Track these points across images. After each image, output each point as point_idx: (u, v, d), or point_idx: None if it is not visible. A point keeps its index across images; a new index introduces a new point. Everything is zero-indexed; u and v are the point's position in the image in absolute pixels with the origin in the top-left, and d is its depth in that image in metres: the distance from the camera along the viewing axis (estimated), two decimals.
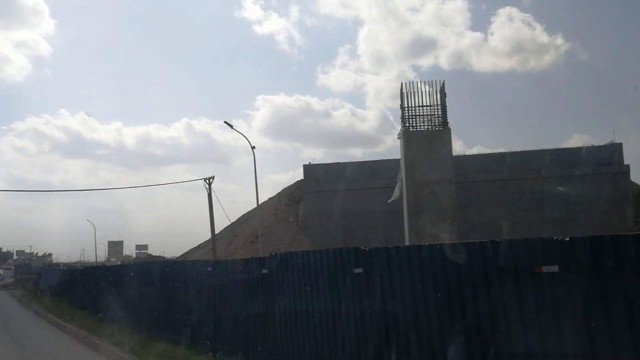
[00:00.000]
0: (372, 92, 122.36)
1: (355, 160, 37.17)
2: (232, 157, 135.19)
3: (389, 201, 21.07)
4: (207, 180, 25.95)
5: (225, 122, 24.00)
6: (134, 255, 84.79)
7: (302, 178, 36.36)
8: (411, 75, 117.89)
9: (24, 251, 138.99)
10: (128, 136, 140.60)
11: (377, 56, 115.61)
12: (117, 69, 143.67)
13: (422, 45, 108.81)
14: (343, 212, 32.81)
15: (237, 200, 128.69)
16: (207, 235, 29.62)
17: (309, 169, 35.64)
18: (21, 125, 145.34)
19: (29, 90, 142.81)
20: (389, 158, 33.88)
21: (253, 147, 24.37)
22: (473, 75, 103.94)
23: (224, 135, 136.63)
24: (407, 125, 23.54)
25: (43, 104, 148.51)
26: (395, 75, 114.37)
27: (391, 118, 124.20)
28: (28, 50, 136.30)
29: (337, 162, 36.13)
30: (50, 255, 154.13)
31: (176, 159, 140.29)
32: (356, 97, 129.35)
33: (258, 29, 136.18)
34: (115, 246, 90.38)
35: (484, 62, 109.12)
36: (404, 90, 25.34)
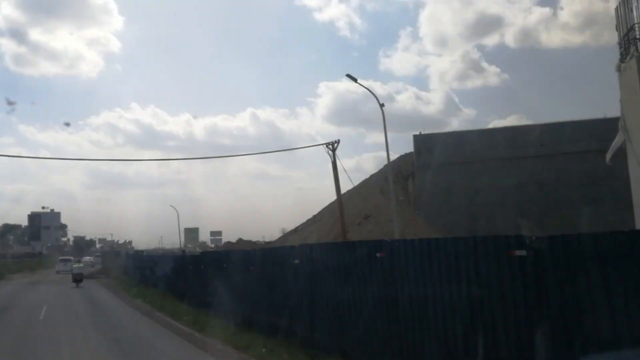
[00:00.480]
0: (435, 75, 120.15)
1: (472, 129, 32.39)
2: (298, 145, 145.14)
3: (608, 161, 16.03)
4: (331, 146, 22.29)
5: (347, 75, 19.98)
6: (209, 242, 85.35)
7: (411, 151, 32.03)
8: (476, 56, 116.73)
9: (105, 239, 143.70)
10: (197, 127, 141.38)
11: (440, 37, 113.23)
12: (183, 61, 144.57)
13: (487, 24, 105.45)
14: (465, 187, 28.34)
15: (303, 187, 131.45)
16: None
17: (420, 140, 31.17)
18: (96, 120, 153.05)
19: (102, 85, 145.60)
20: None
21: (382, 105, 20.47)
22: (543, 52, 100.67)
23: (288, 124, 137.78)
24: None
25: (115, 98, 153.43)
26: (460, 56, 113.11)
27: (456, 100, 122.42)
28: (100, 47, 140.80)
29: (453, 132, 31.59)
30: (130, 242, 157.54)
31: (243, 148, 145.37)
32: (419, 80, 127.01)
33: (318, 16, 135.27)
34: (191, 233, 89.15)
35: (553, 39, 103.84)
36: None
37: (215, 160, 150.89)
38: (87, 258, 69.21)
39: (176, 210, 59.55)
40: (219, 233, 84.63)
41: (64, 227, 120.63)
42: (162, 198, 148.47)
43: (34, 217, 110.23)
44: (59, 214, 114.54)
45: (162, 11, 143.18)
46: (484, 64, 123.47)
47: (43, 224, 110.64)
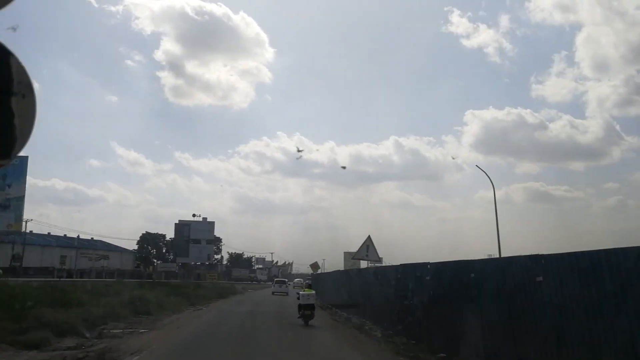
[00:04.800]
0: (594, 101, 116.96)
1: None
2: (443, 174, 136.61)
3: None
4: None
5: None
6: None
7: None
8: None
9: (264, 259, 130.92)
10: (341, 155, 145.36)
11: (599, 61, 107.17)
12: (329, 90, 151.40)
13: None
14: None
15: (446, 217, 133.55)
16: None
17: None
18: (245, 148, 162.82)
19: (252, 115, 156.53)
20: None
21: None
22: None
23: (433, 152, 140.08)
24: None
25: (264, 127, 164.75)
26: (622, 80, 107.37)
27: (618, 128, 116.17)
28: (251, 78, 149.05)
29: None
30: (291, 263, 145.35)
31: (386, 176, 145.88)
32: (575, 107, 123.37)
33: (466, 43, 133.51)
34: (351, 256, 73.84)
35: None
36: None
37: (358, 187, 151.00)
38: (297, 280, 70.74)
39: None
40: (379, 260, 65.30)
41: (218, 240, 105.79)
42: (305, 224, 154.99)
43: (181, 227, 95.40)
44: (212, 224, 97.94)
45: (310, 41, 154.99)
46: None
47: (192, 235, 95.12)
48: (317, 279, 37.23)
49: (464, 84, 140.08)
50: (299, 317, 18.43)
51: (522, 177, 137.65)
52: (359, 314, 19.43)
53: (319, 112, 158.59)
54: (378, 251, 19.57)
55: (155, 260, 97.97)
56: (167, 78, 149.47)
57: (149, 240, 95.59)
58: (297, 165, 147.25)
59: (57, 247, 75.56)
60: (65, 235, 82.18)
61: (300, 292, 19.44)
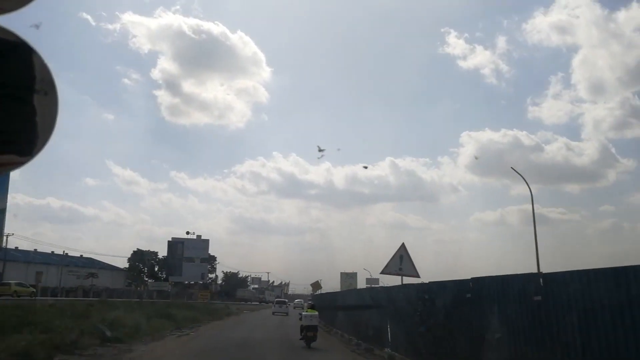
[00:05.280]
0: (590, 123, 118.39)
1: None
2: (438, 195, 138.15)
3: None
4: None
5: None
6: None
7: None
8: (637, 102, 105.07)
9: (260, 278, 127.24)
10: (337, 176, 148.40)
11: (595, 83, 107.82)
12: (325, 110, 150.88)
13: None
14: None
15: (442, 239, 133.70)
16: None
17: None
18: (241, 168, 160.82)
19: (248, 135, 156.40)
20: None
21: None
22: None
23: (429, 173, 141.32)
24: None
25: (258, 147, 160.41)
26: (618, 102, 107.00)
27: (613, 150, 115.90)
28: (248, 97, 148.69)
29: None
30: (288, 283, 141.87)
31: (382, 197, 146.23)
32: (571, 129, 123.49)
33: (463, 64, 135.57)
34: (348, 278, 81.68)
35: None
36: None
37: (354, 208, 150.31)
38: (297, 301, 69.91)
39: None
40: (376, 281, 69.62)
41: (212, 259, 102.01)
42: (301, 244, 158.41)
43: (175, 245, 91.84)
44: (207, 242, 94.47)
45: (307, 61, 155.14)
46: None
47: (186, 254, 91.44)
48: (319, 299, 34.24)
49: (460, 105, 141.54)
50: (301, 339, 17.80)
51: (518, 199, 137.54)
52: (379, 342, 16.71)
53: (314, 132, 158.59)
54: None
55: (147, 279, 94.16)
56: (163, 97, 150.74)
57: (140, 258, 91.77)
58: (292, 186, 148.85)
59: (41, 264, 72.00)
60: (52, 252, 78.72)
61: (303, 313, 18.77)
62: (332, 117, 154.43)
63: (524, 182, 26.53)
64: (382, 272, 13.44)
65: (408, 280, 13.29)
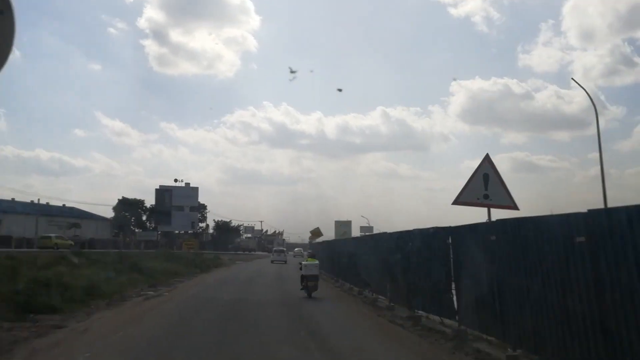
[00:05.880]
0: (579, 71, 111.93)
1: None
2: (429, 144, 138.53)
3: None
4: None
5: None
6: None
7: None
8: (627, 49, 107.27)
9: (253, 227, 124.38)
10: (328, 126, 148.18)
11: (585, 30, 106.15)
12: (315, 59, 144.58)
13: None
14: None
15: (433, 188, 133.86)
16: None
17: None
18: (231, 118, 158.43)
19: (237, 85, 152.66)
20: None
21: None
22: None
23: (420, 123, 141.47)
24: None
25: (248, 97, 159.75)
26: (608, 50, 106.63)
27: (602, 98, 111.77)
28: (237, 47, 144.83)
29: None
30: (282, 232, 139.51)
31: (374, 146, 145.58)
32: (561, 77, 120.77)
33: (453, 12, 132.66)
34: (343, 226, 78.28)
35: None
36: None
37: (346, 158, 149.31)
38: (297, 249, 71.71)
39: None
40: (370, 229, 71.12)
41: (202, 207, 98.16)
42: (294, 194, 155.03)
43: (163, 193, 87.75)
44: (196, 189, 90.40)
45: (296, 9, 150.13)
46: (637, 59, 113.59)
47: (175, 202, 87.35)
48: (317, 248, 30.63)
49: (451, 53, 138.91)
50: (301, 289, 17.66)
51: (508, 147, 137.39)
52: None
53: (305, 82, 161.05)
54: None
55: (135, 229, 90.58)
56: (151, 47, 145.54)
57: (127, 207, 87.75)
58: (284, 136, 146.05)
59: (22, 215, 67.94)
60: (31, 201, 74.60)
61: (303, 262, 18.33)
62: (322, 66, 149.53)
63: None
64: (456, 202, 9.21)
65: (498, 213, 9.00)
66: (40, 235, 52.84)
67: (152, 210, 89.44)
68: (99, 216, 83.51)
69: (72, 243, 47.85)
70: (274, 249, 59.51)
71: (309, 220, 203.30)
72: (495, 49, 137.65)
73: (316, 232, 50.61)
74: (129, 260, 24.71)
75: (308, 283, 17.34)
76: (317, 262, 18.35)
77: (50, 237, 48.78)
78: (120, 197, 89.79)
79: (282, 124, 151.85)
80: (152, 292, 17.01)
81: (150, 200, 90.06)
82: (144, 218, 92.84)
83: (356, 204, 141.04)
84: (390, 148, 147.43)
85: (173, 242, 78.88)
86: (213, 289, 20.11)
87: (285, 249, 61.19)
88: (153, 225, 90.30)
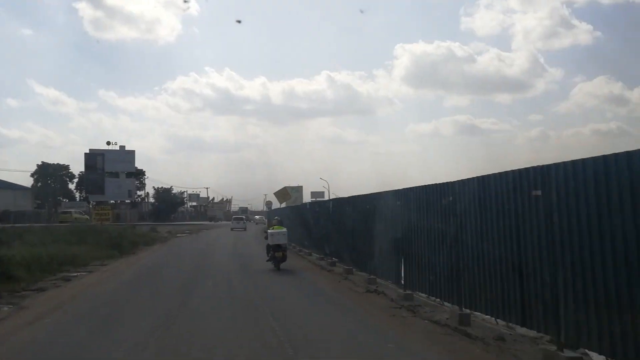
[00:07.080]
0: (520, 34, 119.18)
1: None
2: (375, 108, 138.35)
3: None
4: None
5: None
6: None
7: None
8: (565, 12, 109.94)
9: (198, 195, 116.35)
10: (273, 91, 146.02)
11: None
12: (258, 23, 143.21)
13: None
14: None
15: (378, 152, 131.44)
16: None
17: None
18: (173, 85, 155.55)
19: (178, 50, 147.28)
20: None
21: None
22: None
23: (365, 87, 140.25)
24: None
25: (190, 62, 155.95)
26: (547, 12, 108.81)
27: (542, 60, 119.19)
28: (177, 10, 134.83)
29: None
30: (230, 200, 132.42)
31: (320, 111, 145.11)
32: (502, 40, 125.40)
33: None
34: (294, 191, 71.81)
35: None
36: None
37: (291, 124, 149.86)
38: (258, 217, 77.24)
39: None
40: (322, 194, 71.59)
41: (140, 173, 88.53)
42: (240, 161, 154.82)
43: (93, 157, 77.25)
44: (132, 153, 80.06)
45: None
46: (574, 21, 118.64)
47: (107, 168, 77.28)
48: (275, 214, 25.25)
49: (394, 16, 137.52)
50: (267, 261, 16.74)
51: (451, 111, 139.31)
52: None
53: (249, 46, 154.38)
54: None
55: (62, 199, 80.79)
56: (84, 10, 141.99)
57: (48, 173, 77.60)
58: (227, 102, 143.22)
59: None
60: None
61: (269, 231, 17.42)
62: (266, 30, 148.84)
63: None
64: None
65: None
66: None
67: (81, 178, 79.65)
68: (19, 185, 73.51)
69: (88, 217, 47.89)
70: (234, 217, 63.87)
71: (258, 186, 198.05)
72: (438, 12, 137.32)
73: (283, 193, 39.98)
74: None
75: (275, 254, 16.45)
76: (284, 229, 17.32)
77: (70, 212, 51.53)
78: (40, 163, 79.10)
79: (225, 89, 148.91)
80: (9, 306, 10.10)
81: (79, 168, 79.98)
82: (72, 186, 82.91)
83: (306, 170, 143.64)
84: (337, 113, 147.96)
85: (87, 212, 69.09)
86: (133, 281, 13.22)
87: (244, 216, 65.67)
88: (84, 195, 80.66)
